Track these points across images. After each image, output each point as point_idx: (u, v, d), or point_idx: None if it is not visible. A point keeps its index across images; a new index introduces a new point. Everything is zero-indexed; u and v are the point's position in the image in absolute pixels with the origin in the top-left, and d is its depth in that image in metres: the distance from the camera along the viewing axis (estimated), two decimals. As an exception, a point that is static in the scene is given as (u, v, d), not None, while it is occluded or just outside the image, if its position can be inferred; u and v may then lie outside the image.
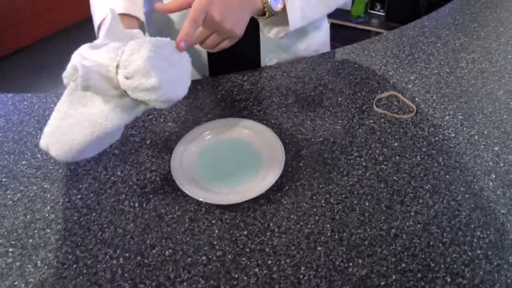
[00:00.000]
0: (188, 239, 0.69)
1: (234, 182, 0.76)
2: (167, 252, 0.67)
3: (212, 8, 0.69)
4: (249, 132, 0.84)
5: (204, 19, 0.69)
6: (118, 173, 0.81)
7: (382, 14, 2.78)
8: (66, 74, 0.61)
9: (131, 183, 0.78)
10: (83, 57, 0.63)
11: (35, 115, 0.95)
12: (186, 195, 0.74)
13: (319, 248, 0.67)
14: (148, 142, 0.86)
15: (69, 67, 0.60)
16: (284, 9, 0.81)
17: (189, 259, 0.66)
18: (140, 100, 0.63)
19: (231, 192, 0.74)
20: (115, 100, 0.63)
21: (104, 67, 0.62)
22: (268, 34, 0.89)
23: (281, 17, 0.84)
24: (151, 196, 0.76)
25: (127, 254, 0.67)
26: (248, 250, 0.67)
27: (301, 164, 0.80)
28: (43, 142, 0.64)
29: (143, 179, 0.79)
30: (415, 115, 0.89)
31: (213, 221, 0.71)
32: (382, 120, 0.88)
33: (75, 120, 0.63)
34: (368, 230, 0.69)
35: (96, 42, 0.66)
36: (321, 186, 0.76)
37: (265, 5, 0.78)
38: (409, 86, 0.96)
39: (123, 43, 0.65)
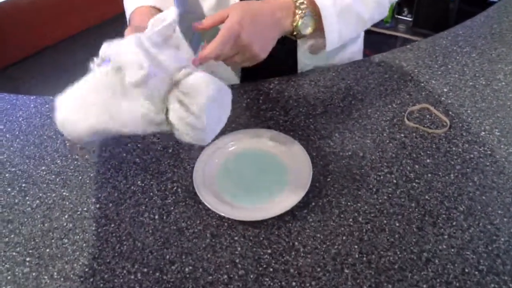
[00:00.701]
0: (209, 255, 0.66)
1: (258, 197, 0.73)
2: (187, 269, 0.65)
3: (243, 31, 0.68)
4: (275, 144, 0.81)
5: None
6: (139, 182, 0.79)
7: (410, 19, 2.72)
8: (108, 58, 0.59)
9: (151, 193, 0.76)
10: (147, 51, 0.59)
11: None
12: (208, 208, 0.72)
13: (346, 271, 0.64)
14: (170, 150, 0.84)
15: (127, 56, 0.57)
16: (317, 28, 0.80)
17: (210, 277, 0.64)
18: (173, 123, 0.60)
19: (255, 208, 0.72)
20: (149, 108, 0.59)
21: (166, 74, 0.59)
22: (303, 45, 0.88)
23: (316, 34, 0.81)
24: (172, 208, 0.74)
25: (145, 270, 0.65)
26: (271, 270, 0.64)
27: (328, 179, 0.77)
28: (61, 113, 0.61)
29: (164, 190, 0.77)
30: (449, 130, 0.85)
31: (236, 238, 0.69)
32: (414, 134, 0.84)
33: (99, 103, 0.60)
34: (398, 252, 0.65)
35: (152, 36, 0.60)
36: (349, 203, 0.72)
37: (295, 28, 0.77)
38: (442, 98, 0.92)
39: (187, 56, 0.63)
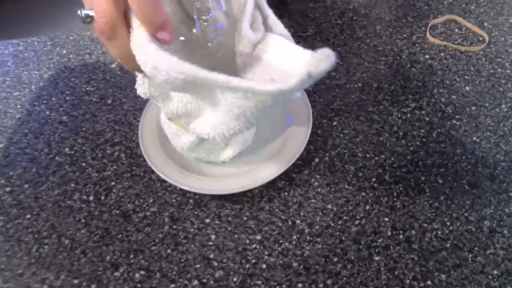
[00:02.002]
0: (169, 251, 0.43)
1: (238, 158, 0.49)
2: (137, 275, 0.42)
3: None
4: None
5: None
6: (66, 150, 0.53)
7: None
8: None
9: (83, 164, 0.52)
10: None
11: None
12: (165, 181, 0.48)
13: (376, 258, 0.41)
14: (110, 101, 0.59)
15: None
16: None
17: (172, 285, 0.41)
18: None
19: (233, 175, 0.48)
20: None
21: None
22: None
23: None
24: (113, 184, 0.49)
25: (76, 281, 0.42)
26: (264, 266, 0.41)
27: (335, 123, 0.52)
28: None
29: (102, 158, 0.52)
30: (488, 46, 0.61)
31: (208, 221, 0.45)
32: (442, 54, 0.60)
33: None
34: (449, 223, 0.43)
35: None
36: (368, 155, 0.49)
37: None
38: (472, 7, 0.67)
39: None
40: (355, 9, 0.68)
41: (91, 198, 0.48)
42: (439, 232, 0.42)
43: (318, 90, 0.56)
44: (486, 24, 0.64)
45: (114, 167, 0.51)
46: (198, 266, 0.42)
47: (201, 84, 0.31)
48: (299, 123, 0.49)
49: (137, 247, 0.43)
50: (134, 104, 0.57)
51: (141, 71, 0.34)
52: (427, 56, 0.60)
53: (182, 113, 0.41)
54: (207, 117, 0.40)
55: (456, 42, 0.61)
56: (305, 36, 0.63)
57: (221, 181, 0.45)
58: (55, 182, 0.50)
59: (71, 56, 0.66)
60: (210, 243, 0.43)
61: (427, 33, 0.62)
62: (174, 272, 0.41)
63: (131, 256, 0.43)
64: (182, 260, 0.42)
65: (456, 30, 0.63)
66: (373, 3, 0.69)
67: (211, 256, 0.42)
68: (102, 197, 0.48)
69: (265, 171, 0.45)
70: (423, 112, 0.53)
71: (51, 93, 0.61)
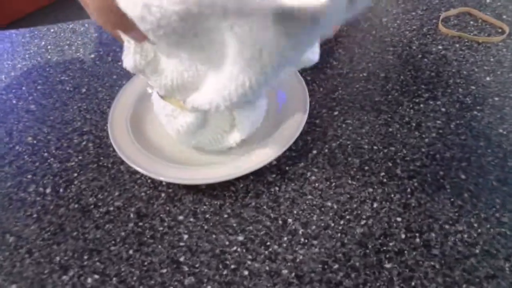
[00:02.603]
0: (130, 252, 0.35)
1: (219, 145, 0.41)
2: (88, 280, 0.33)
3: None
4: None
5: None
6: (29, 139, 0.46)
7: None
8: None
9: (45, 154, 0.44)
10: None
11: None
12: (134, 172, 0.40)
13: (387, 265, 0.32)
14: (84, 90, 0.51)
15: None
16: None
17: (131, 294, 0.32)
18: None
19: (214, 163, 0.39)
20: None
21: None
22: None
23: None
24: (75, 175, 0.41)
25: (13, 286, 0.33)
26: (246, 273, 0.33)
27: (336, 113, 0.45)
28: None
29: (67, 147, 0.44)
30: (508, 37, 0.54)
31: (180, 218, 0.37)
32: (457, 45, 0.53)
33: None
34: (476, 225, 0.34)
35: None
36: (375, 147, 0.41)
37: None
38: (488, 0, 0.61)
39: None
40: (360, 2, 0.62)
41: (48, 190, 0.40)
42: (465, 236, 0.33)
43: (317, 79, 0.49)
44: (504, 16, 0.57)
45: (80, 157, 0.43)
46: (164, 271, 0.33)
47: (205, 20, 0.24)
48: (294, 107, 0.41)
49: (94, 246, 0.35)
50: (110, 93, 0.50)
51: (123, 28, 0.27)
52: (440, 47, 0.52)
53: (177, 85, 0.34)
54: (208, 86, 0.33)
55: (472, 34, 0.54)
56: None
57: (197, 170, 0.37)
58: (10, 173, 0.42)
59: (49, 47, 0.59)
60: (182, 243, 0.34)
61: (439, 24, 0.55)
62: (134, 278, 0.33)
63: (85, 257, 0.34)
64: (146, 263, 0.33)
65: (471, 22, 0.56)
66: (379, -3, 0.63)
67: (182, 259, 0.33)
68: (61, 190, 0.40)
69: (252, 160, 0.37)
70: (438, 102, 0.45)
71: (22, 82, 0.54)
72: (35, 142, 0.45)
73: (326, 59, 0.51)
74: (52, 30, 0.62)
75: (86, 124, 0.46)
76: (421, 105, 0.45)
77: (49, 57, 0.57)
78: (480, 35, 0.54)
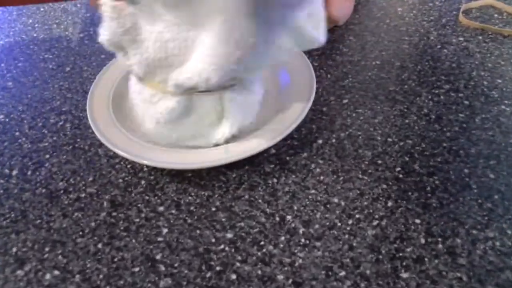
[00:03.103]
0: (99, 246, 0.29)
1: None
2: (47, 276, 0.27)
3: None
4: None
5: None
6: (1, 117, 0.41)
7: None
8: None
9: (17, 134, 0.38)
10: None
11: None
12: (113, 156, 0.34)
13: (403, 275, 0.27)
14: (68, 69, 0.46)
15: None
16: None
17: (94, 296, 0.27)
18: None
19: (204, 149, 0.34)
20: None
21: None
22: None
23: None
24: (47, 157, 0.36)
25: (-43, 281, 0.28)
26: (234, 277, 0.27)
27: (345, 101, 0.39)
28: None
29: (42, 127, 0.39)
30: (536, 32, 0.48)
31: (161, 209, 0.31)
32: (481, 38, 0.48)
33: None
34: (509, 231, 0.28)
35: None
36: (389, 139, 0.35)
37: None
38: (511, -5, 0.56)
39: None
40: (373, -9, 0.57)
41: (14, 172, 0.35)
42: (497, 243, 0.28)
43: (324, 66, 0.43)
44: (530, 11, 0.52)
45: (54, 138, 0.37)
46: (137, 269, 0.27)
47: None
48: (298, 91, 0.36)
49: (58, 237, 0.29)
50: (96, 73, 0.44)
51: None
52: (460, 39, 0.47)
53: (159, 59, 0.28)
54: (197, 56, 0.27)
55: (496, 27, 0.49)
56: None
57: (186, 155, 0.32)
58: (-26, 153, 0.37)
59: (36, 25, 0.54)
60: (160, 238, 0.29)
61: (460, 16, 0.50)
62: (101, 276, 0.27)
63: (47, 249, 0.29)
64: (116, 259, 0.28)
65: (496, 15, 0.51)
66: (393, -12, 0.58)
67: (158, 257, 0.28)
68: (29, 172, 0.34)
69: (247, 146, 0.32)
70: (461, 95, 0.40)
71: (2, 59, 0.49)
72: (7, 120, 0.40)
73: (335, 46, 0.46)
74: (42, 9, 0.58)
75: (66, 104, 0.41)
76: (441, 97, 0.39)
77: (34, 35, 0.52)
78: (506, 28, 0.49)
